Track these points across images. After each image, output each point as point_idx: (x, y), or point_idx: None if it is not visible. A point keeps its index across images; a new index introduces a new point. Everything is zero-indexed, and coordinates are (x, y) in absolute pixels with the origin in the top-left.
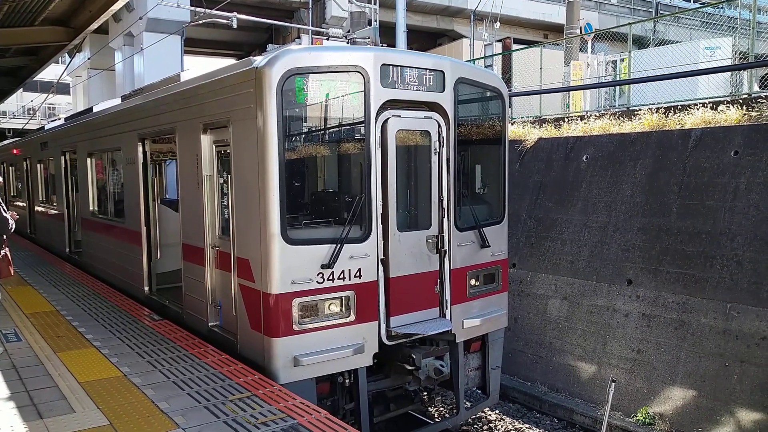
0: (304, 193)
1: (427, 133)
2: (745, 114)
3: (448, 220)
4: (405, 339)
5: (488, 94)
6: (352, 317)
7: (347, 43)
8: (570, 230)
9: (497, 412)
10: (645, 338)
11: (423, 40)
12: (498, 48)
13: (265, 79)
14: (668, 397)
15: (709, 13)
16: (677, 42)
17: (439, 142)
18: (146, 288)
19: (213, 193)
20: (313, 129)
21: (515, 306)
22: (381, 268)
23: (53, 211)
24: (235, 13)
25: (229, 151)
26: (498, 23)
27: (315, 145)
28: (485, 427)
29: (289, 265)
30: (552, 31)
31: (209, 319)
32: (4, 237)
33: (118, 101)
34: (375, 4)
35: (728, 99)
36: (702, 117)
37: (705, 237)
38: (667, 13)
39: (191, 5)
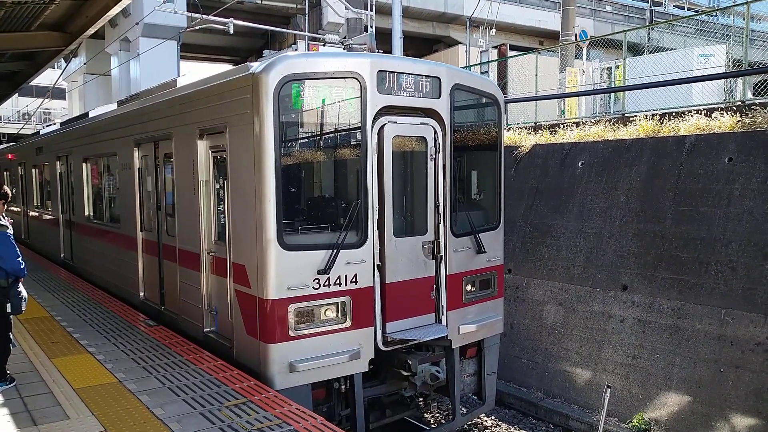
0: (301, 199)
1: (423, 139)
2: (738, 121)
3: (444, 226)
4: (401, 345)
5: (484, 100)
6: (348, 323)
7: (344, 49)
8: (565, 236)
9: (493, 417)
10: (640, 344)
11: (419, 46)
12: (494, 54)
13: (262, 84)
14: (664, 402)
15: (704, 21)
16: (672, 49)
17: (435, 148)
18: (142, 293)
19: (209, 199)
20: (310, 135)
21: (511, 312)
22: (377, 273)
23: (48, 216)
24: (231, 18)
25: (225, 157)
26: (494, 30)
27: (311, 151)
28: None
29: (285, 271)
30: (547, 38)
31: (205, 324)
32: None
33: (113, 106)
34: (371, 10)
35: (722, 106)
36: (696, 124)
37: (699, 243)
38: (662, 20)
39: (188, 11)
